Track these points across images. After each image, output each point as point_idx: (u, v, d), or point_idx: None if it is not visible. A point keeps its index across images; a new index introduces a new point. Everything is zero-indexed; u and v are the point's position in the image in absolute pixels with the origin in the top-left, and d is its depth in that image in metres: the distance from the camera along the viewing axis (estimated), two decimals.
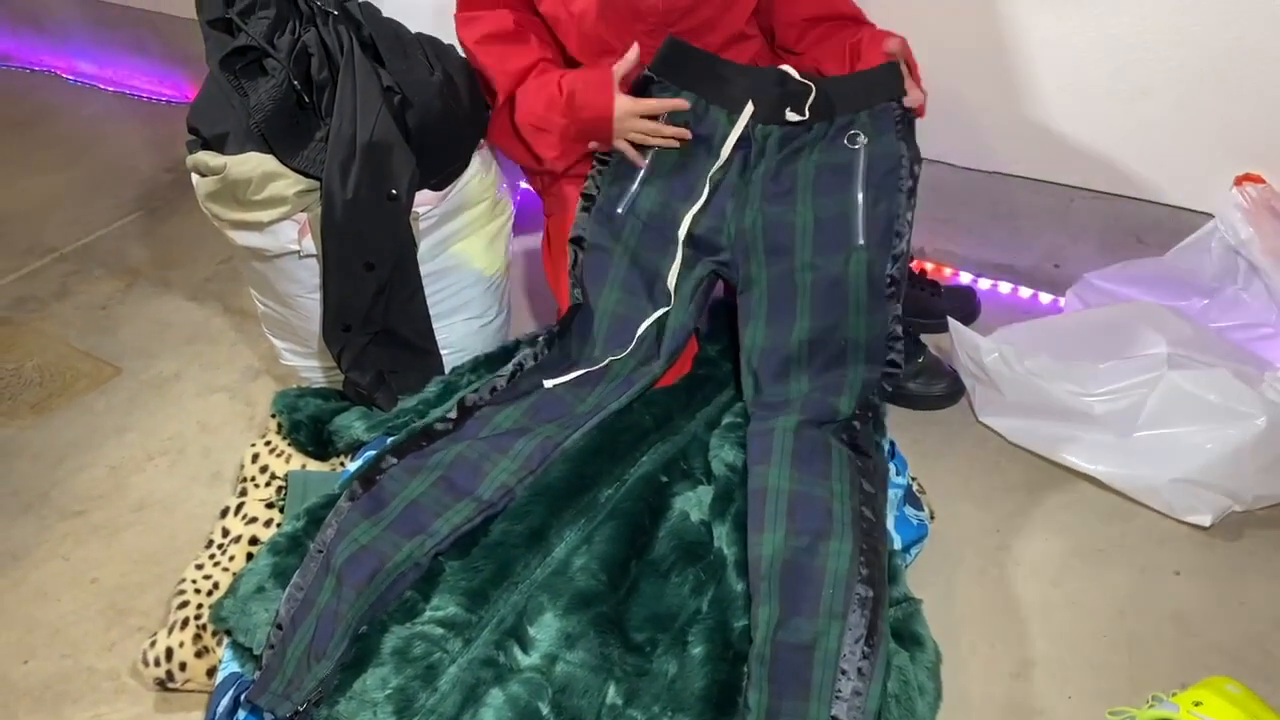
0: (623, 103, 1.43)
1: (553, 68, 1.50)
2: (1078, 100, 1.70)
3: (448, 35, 1.55)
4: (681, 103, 1.45)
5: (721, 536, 1.29)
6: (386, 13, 1.50)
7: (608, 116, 1.43)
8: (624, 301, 1.49)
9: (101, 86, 3.00)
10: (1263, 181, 1.59)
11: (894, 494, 1.37)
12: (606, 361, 1.44)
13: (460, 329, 1.64)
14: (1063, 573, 1.39)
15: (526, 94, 1.48)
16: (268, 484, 1.51)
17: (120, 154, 2.63)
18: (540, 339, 1.51)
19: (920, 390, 1.66)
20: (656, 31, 1.46)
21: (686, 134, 1.45)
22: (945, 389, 1.66)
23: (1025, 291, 1.92)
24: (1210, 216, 1.63)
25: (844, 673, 1.08)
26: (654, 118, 1.45)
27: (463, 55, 1.55)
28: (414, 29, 1.52)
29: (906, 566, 1.35)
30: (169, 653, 1.27)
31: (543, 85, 1.46)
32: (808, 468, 1.29)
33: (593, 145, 1.49)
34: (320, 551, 1.23)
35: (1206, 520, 1.42)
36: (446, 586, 1.22)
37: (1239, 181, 1.61)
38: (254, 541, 1.40)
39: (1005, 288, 1.94)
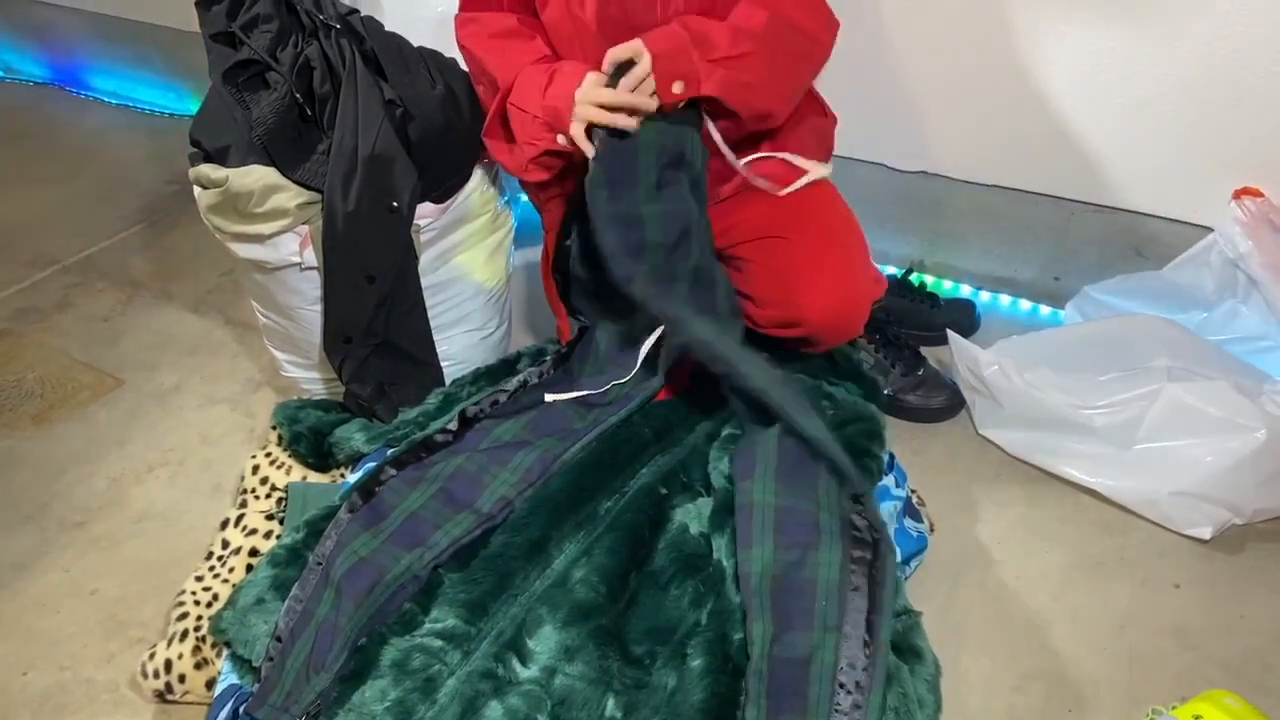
0: (589, 77, 1.32)
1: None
2: (1077, 114, 1.70)
3: (449, 49, 1.55)
4: (651, 103, 1.30)
5: (721, 549, 1.29)
6: (389, 27, 1.50)
7: (570, 93, 1.32)
8: (624, 322, 1.50)
9: (105, 99, 3.01)
10: (1261, 195, 1.60)
11: (894, 506, 1.37)
12: (609, 385, 1.45)
13: (461, 341, 1.64)
14: (1063, 586, 1.39)
15: (523, 77, 1.40)
16: (268, 496, 1.51)
17: (123, 166, 2.64)
18: (548, 358, 1.51)
19: (920, 403, 1.66)
20: None
21: (634, 123, 1.32)
22: (945, 401, 1.67)
23: (1025, 304, 1.93)
24: (1209, 230, 1.64)
25: (842, 686, 1.07)
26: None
27: (465, 69, 1.55)
28: (416, 43, 1.53)
29: (906, 579, 1.35)
30: (168, 664, 1.27)
31: (539, 70, 1.38)
32: (792, 479, 1.29)
33: (560, 140, 1.36)
34: (319, 564, 1.23)
35: (1207, 533, 1.42)
36: (446, 599, 1.22)
37: (1237, 195, 1.61)
38: (254, 553, 1.40)
39: (1005, 300, 1.94)
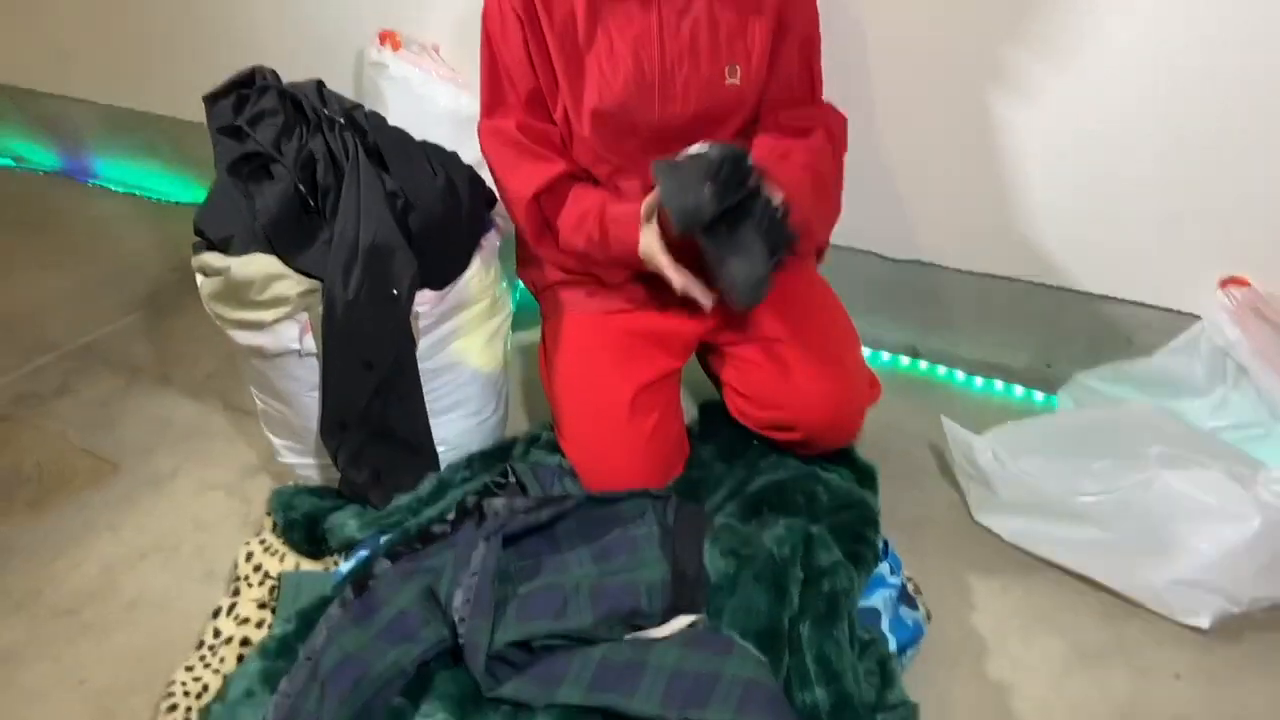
0: (647, 240, 1.39)
1: (575, 185, 1.49)
2: (1065, 205, 1.73)
3: (450, 144, 1.59)
4: (706, 300, 1.39)
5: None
6: (392, 121, 1.54)
7: (634, 249, 1.41)
8: None
9: (112, 187, 3.07)
10: (1247, 284, 1.62)
11: (889, 594, 1.36)
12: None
13: (458, 425, 1.65)
14: (1062, 675, 1.37)
15: (564, 227, 1.48)
16: (261, 583, 1.50)
17: (128, 253, 2.68)
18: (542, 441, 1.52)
19: None
20: (649, 146, 1.45)
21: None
22: None
23: (1018, 391, 1.94)
24: (1198, 318, 1.66)
25: None
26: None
27: (465, 161, 1.58)
28: (420, 138, 1.56)
29: (902, 669, 1.33)
30: None
31: (585, 223, 1.45)
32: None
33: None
34: (309, 659, 1.21)
35: (1205, 622, 1.41)
36: (436, 693, 1.21)
37: (1224, 284, 1.64)
38: (245, 642, 1.39)
39: (998, 387, 1.96)
